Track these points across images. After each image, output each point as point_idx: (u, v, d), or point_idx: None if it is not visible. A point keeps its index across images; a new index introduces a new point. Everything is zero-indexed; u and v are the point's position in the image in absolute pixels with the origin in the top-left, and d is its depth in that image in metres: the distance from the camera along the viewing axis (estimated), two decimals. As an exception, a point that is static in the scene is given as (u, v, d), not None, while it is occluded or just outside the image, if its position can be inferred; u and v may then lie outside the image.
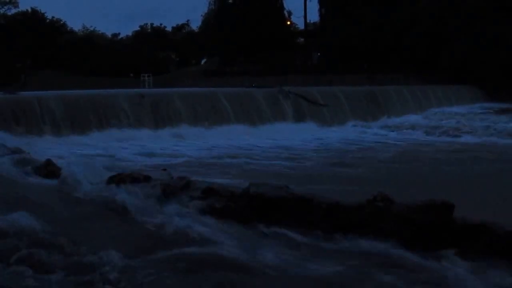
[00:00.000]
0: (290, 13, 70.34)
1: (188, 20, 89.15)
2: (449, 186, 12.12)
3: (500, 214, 7.16)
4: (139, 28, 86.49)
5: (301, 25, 71.80)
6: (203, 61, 77.64)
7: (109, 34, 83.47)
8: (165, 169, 8.54)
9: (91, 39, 72.19)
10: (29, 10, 72.61)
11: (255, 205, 6.75)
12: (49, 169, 8.87)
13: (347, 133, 26.93)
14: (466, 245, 5.83)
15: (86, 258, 5.03)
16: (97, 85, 37.50)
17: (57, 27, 74.72)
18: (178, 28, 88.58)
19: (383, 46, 54.60)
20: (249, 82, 44.34)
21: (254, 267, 5.32)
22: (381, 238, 6.07)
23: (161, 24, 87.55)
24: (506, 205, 9.54)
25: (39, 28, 69.51)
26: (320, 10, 67.10)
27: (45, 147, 17.23)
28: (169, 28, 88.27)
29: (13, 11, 70.80)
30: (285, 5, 69.70)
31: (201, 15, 73.95)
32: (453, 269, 5.51)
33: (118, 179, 7.67)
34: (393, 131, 28.43)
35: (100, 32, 79.51)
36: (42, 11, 74.27)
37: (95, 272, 4.81)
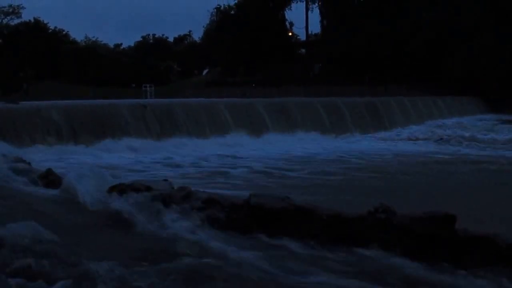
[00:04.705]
0: (291, 24, 70.75)
1: (190, 31, 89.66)
2: (452, 197, 12.09)
3: (502, 226, 7.14)
4: (141, 39, 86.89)
5: (302, 36, 72.14)
6: (205, 72, 77.81)
7: (111, 44, 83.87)
8: (166, 180, 8.51)
9: (93, 49, 72.30)
10: (32, 20, 72.87)
11: (256, 215, 6.72)
12: (50, 179, 8.83)
13: (348, 144, 26.93)
14: (468, 257, 5.80)
15: (86, 268, 5.00)
16: (98, 95, 37.61)
17: (60, 37, 74.91)
18: (180, 39, 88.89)
19: (384, 57, 54.74)
20: (250, 92, 44.64)
21: (255, 278, 5.30)
22: (383, 249, 6.04)
23: (163, 35, 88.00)
24: (508, 217, 9.50)
25: (42, 38, 69.67)
26: (321, 21, 67.48)
27: (46, 156, 17.22)
28: (171, 39, 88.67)
29: (16, 21, 71.19)
30: (286, 17, 70.13)
31: (203, 26, 74.31)
32: (455, 281, 5.48)
33: (119, 189, 7.64)
34: (394, 141, 28.43)
35: (102, 42, 79.80)
36: (45, 21, 74.57)
37: (95, 282, 4.78)
